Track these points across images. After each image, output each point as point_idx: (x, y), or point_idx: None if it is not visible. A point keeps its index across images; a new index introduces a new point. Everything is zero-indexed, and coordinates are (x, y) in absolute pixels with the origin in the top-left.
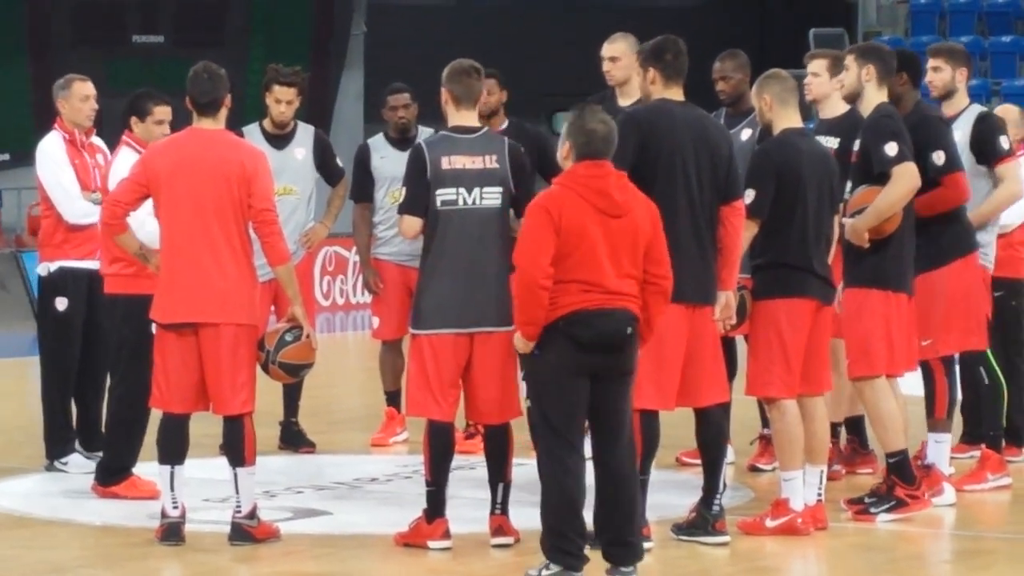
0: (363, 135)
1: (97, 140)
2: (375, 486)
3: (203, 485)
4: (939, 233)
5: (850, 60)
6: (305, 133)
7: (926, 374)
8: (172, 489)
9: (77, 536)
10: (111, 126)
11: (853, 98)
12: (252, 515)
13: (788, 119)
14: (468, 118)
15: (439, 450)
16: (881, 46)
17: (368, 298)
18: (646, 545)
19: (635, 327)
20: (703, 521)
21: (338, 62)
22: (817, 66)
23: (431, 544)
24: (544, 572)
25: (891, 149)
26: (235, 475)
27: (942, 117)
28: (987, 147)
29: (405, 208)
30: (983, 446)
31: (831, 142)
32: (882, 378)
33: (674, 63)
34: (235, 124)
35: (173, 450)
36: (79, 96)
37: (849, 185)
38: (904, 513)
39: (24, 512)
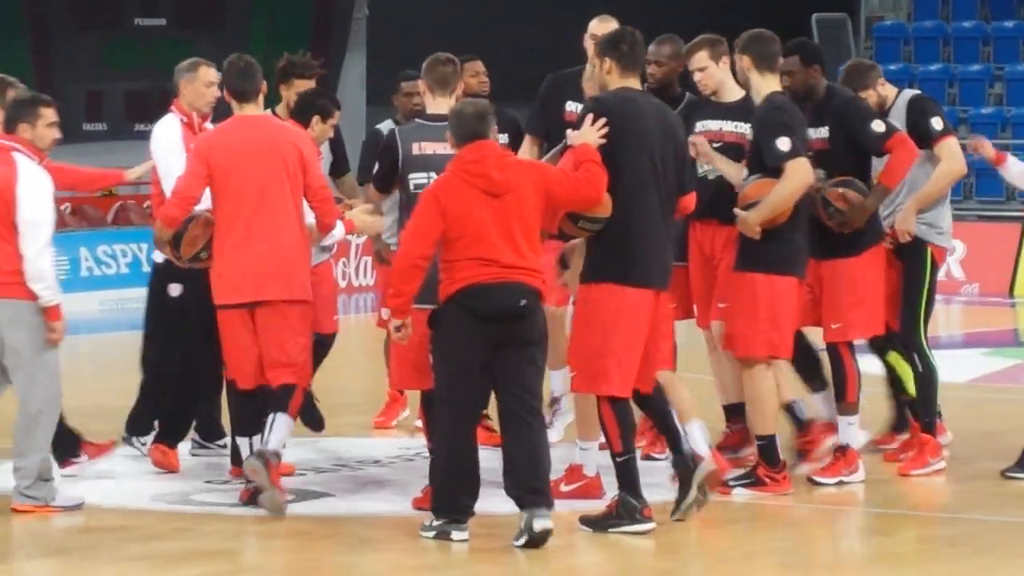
0: (365, 119)
1: (210, 127)
2: (377, 468)
3: (208, 468)
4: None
5: (704, 56)
6: None
7: (835, 358)
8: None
9: (92, 516)
10: (112, 109)
11: (745, 88)
12: (277, 455)
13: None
14: (442, 106)
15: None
16: (761, 33)
17: (370, 280)
18: (647, 527)
19: (533, 299)
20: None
21: (340, 46)
22: (699, 60)
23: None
24: (433, 523)
25: (783, 144)
26: (273, 419)
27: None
28: (922, 130)
29: (377, 183)
30: (920, 432)
31: (741, 127)
32: (763, 362)
33: (630, 54)
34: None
35: (250, 422)
36: (204, 81)
37: (745, 172)
38: (760, 492)
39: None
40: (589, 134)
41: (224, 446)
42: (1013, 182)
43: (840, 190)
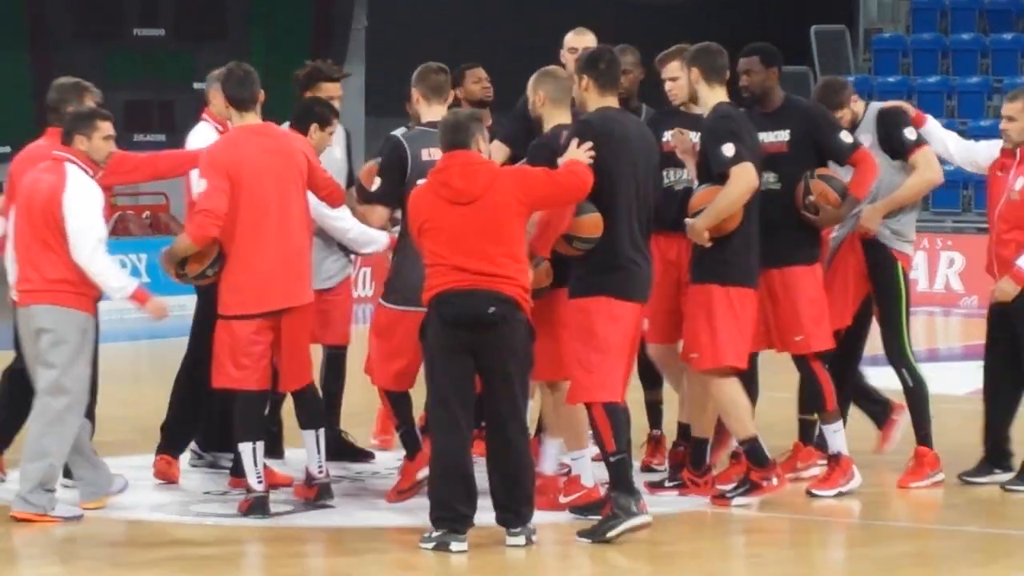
0: (364, 129)
1: None
2: (378, 480)
3: (207, 479)
4: (814, 232)
5: (676, 66)
6: (339, 132)
7: (805, 370)
8: (256, 464)
9: (92, 526)
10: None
11: (582, 108)
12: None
13: (560, 117)
14: (438, 113)
15: (402, 404)
16: (709, 46)
17: (370, 291)
18: (644, 519)
19: (504, 307)
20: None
21: (339, 56)
22: (672, 70)
23: (419, 475)
24: (432, 535)
25: (728, 150)
26: (317, 437)
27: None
28: (896, 142)
29: (379, 198)
30: (918, 444)
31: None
32: (726, 372)
33: (608, 72)
34: None
35: (256, 427)
36: None
37: (696, 183)
38: (757, 496)
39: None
40: (578, 154)
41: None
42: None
43: (825, 185)
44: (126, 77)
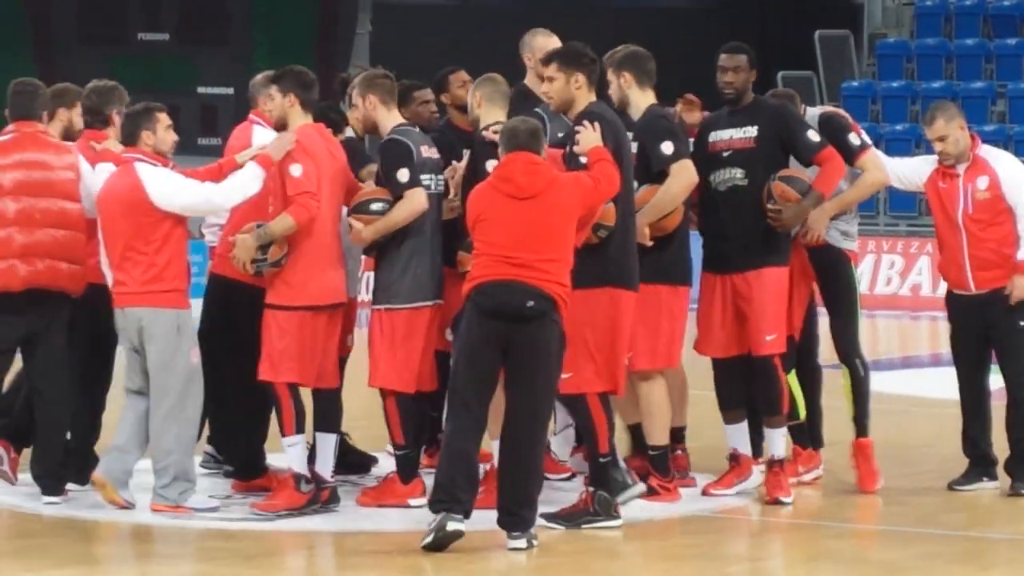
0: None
1: None
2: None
3: (211, 483)
4: (781, 237)
5: (609, 73)
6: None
7: (768, 372)
8: (333, 457)
9: (92, 531)
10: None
11: (623, 106)
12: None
13: (495, 115)
14: (397, 117)
15: (408, 416)
16: (638, 50)
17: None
18: (620, 521)
19: (543, 303)
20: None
21: (343, 61)
22: (551, 70)
23: (412, 503)
24: (432, 523)
25: (667, 148)
26: (332, 441)
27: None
28: (841, 148)
29: (415, 182)
30: (858, 437)
31: (751, 131)
32: (660, 374)
33: (596, 68)
34: (237, 123)
35: (338, 419)
36: None
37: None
38: (652, 501)
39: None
40: (596, 139)
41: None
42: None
43: (784, 186)
44: (129, 81)
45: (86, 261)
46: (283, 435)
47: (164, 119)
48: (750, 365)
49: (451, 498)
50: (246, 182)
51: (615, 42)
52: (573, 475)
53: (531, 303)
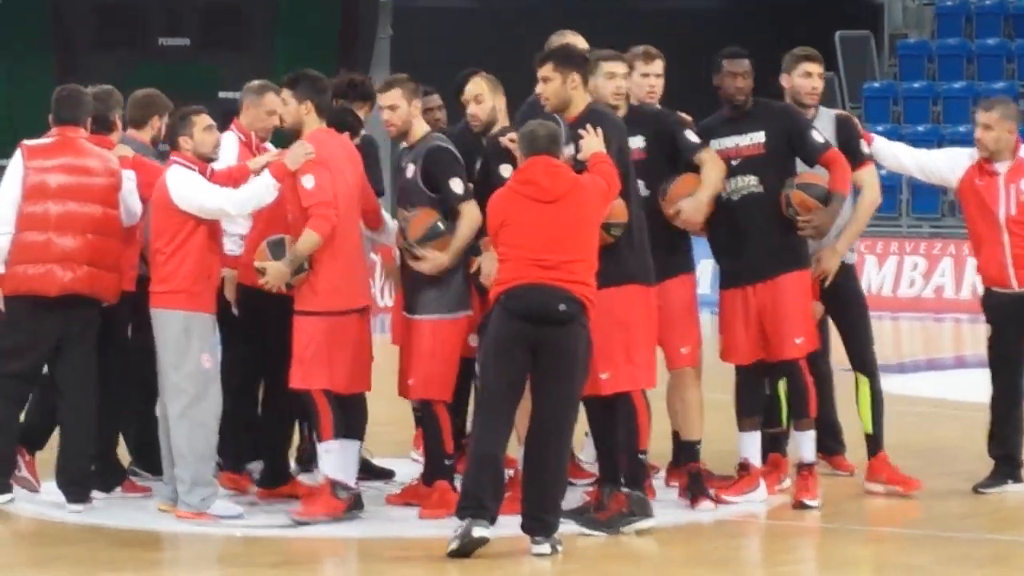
0: (389, 139)
1: (270, 147)
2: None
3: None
4: (800, 240)
5: (549, 70)
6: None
7: (796, 376)
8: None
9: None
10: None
11: (565, 106)
12: None
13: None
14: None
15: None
16: (580, 51)
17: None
18: (655, 520)
19: (573, 307)
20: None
21: (364, 65)
22: (547, 71)
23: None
24: (458, 529)
25: (694, 136)
26: (355, 448)
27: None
28: (851, 152)
29: (469, 195)
30: (880, 451)
31: (637, 141)
32: None
33: (588, 69)
34: None
35: (362, 426)
36: (267, 108)
37: (642, 184)
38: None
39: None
40: (599, 144)
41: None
42: (884, 163)
43: (803, 194)
44: (151, 87)
45: (123, 269)
46: (320, 440)
47: (201, 121)
48: (774, 371)
49: (477, 504)
50: (260, 193)
51: (634, 43)
52: (597, 480)
53: (563, 306)
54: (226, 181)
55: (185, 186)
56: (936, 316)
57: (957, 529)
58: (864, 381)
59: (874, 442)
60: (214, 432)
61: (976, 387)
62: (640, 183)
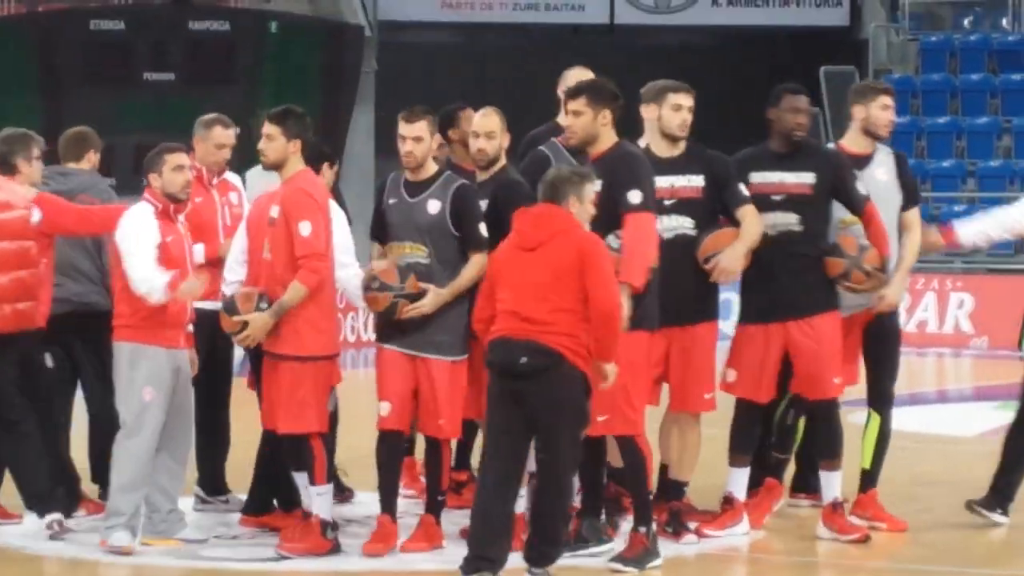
0: (374, 171)
1: (231, 176)
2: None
3: (217, 523)
4: (830, 281)
5: (582, 104)
6: (235, 178)
7: (829, 415)
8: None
9: (103, 570)
10: (122, 163)
11: (591, 142)
12: None
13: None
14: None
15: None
16: (609, 85)
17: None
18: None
19: (539, 358)
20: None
21: (349, 99)
22: (579, 104)
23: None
24: None
25: (744, 189)
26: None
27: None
28: (911, 190)
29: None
30: (872, 488)
31: (696, 180)
32: None
33: (620, 106)
34: (246, 164)
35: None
36: (215, 142)
37: (691, 223)
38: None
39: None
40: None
41: (226, 501)
42: (973, 243)
43: (871, 268)
44: (136, 121)
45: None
46: (313, 484)
47: (173, 160)
48: (808, 407)
49: (481, 556)
50: (156, 291)
51: (623, 79)
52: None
53: (524, 359)
54: (92, 216)
55: (126, 230)
56: (919, 351)
57: (940, 563)
58: (876, 417)
59: (869, 478)
60: (142, 463)
61: (959, 421)
62: (689, 221)
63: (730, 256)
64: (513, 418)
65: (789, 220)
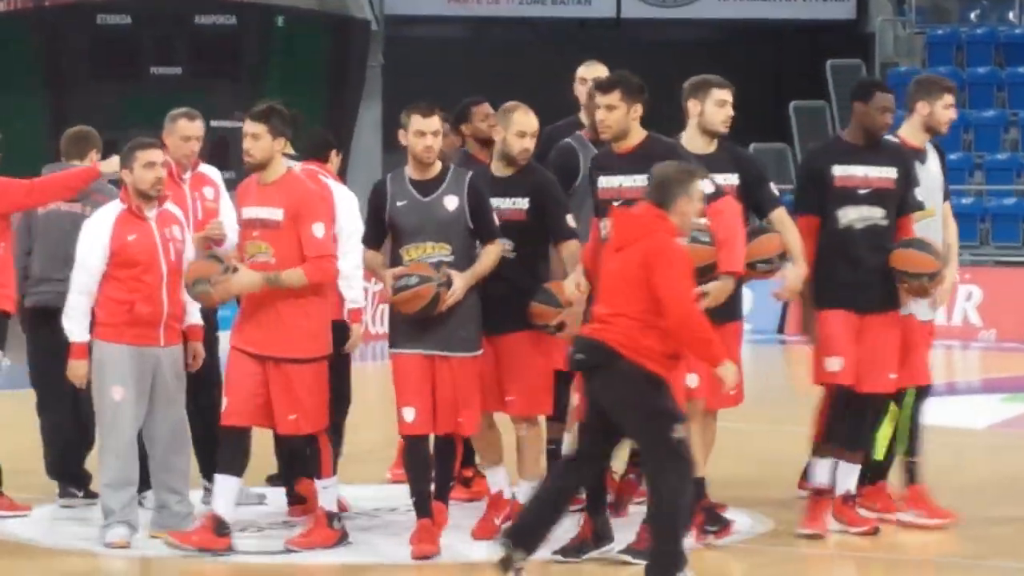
0: (381, 166)
1: (208, 170)
2: (393, 516)
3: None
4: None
5: (616, 99)
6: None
7: (885, 407)
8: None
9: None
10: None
11: (623, 136)
12: None
13: None
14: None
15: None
16: (638, 79)
17: (385, 328)
18: None
19: (593, 354)
20: None
21: (355, 93)
22: (613, 98)
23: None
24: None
25: (774, 190)
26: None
27: None
28: (946, 184)
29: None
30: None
31: (732, 179)
32: None
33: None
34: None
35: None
36: (181, 135)
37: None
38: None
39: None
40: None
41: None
42: None
43: (929, 286)
44: (143, 116)
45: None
46: (319, 478)
47: (144, 157)
48: (850, 398)
49: (517, 531)
50: (68, 319)
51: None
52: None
53: (579, 356)
54: (45, 186)
55: (87, 232)
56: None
57: (947, 555)
58: (895, 410)
59: (880, 470)
60: (122, 459)
61: (968, 414)
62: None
63: (797, 276)
64: (591, 414)
65: (875, 214)
